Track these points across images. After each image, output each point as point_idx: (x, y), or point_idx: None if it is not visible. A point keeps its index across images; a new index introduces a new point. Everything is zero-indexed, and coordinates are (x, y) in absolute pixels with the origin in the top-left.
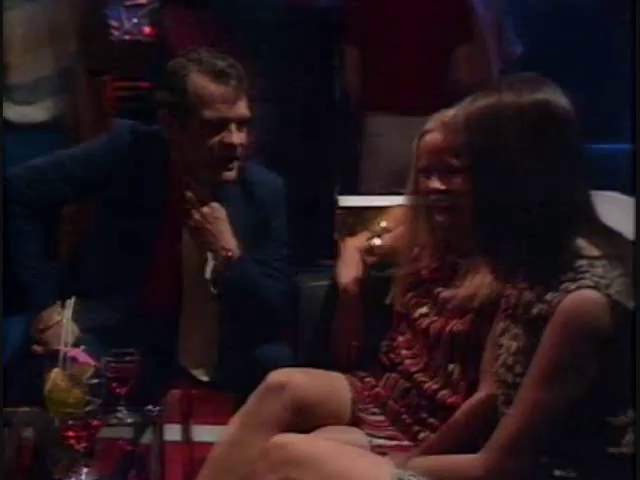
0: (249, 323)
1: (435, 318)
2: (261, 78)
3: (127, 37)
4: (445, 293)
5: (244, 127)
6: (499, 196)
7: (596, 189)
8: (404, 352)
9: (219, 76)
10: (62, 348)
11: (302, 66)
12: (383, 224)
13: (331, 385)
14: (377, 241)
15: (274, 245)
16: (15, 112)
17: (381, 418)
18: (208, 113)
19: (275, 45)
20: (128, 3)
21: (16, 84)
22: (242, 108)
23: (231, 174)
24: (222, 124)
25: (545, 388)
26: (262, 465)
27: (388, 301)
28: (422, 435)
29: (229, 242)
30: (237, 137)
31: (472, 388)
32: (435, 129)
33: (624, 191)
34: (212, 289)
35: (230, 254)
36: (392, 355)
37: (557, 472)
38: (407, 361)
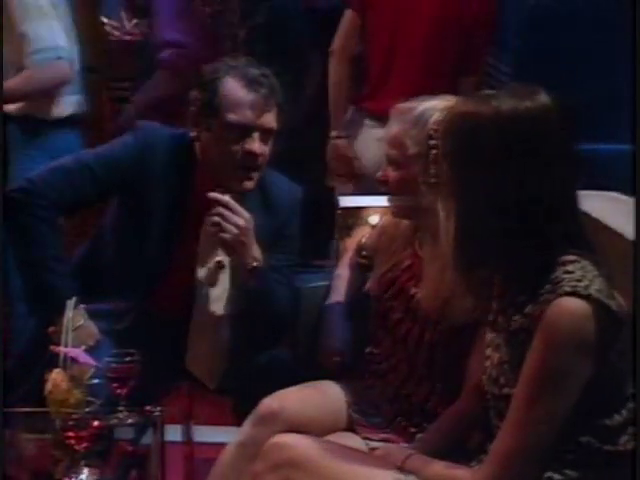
0: (256, 330)
1: (411, 324)
2: None
3: (127, 37)
4: (418, 295)
5: (269, 138)
6: (478, 210)
7: (597, 189)
8: (384, 365)
9: (251, 83)
10: (62, 349)
11: (301, 65)
12: (373, 220)
13: (324, 398)
14: (364, 239)
15: (284, 251)
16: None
17: (377, 420)
18: (233, 117)
19: (273, 46)
20: (128, 3)
21: None
22: (269, 119)
23: (250, 184)
24: (246, 131)
25: (534, 404)
26: (262, 466)
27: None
28: (419, 437)
29: (257, 252)
30: (259, 146)
31: (458, 392)
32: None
33: (625, 191)
34: (219, 309)
35: (257, 264)
36: (375, 366)
37: (556, 476)
38: (390, 375)
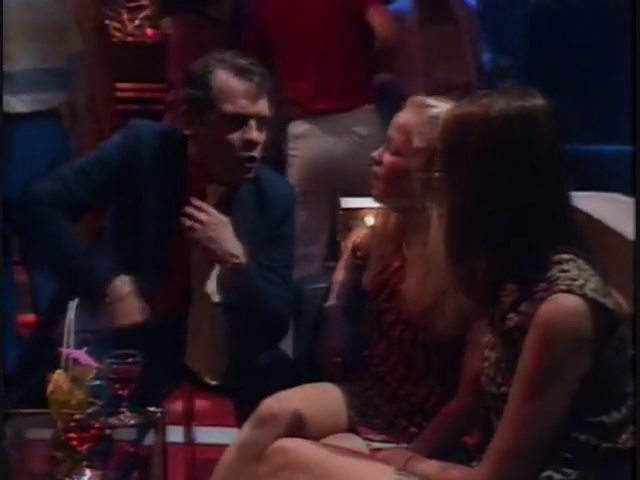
0: (253, 329)
1: (404, 326)
2: None
3: (129, 39)
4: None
5: (263, 126)
6: (471, 207)
7: (598, 190)
8: (381, 368)
9: (242, 72)
10: (64, 349)
11: None
12: (369, 221)
13: (325, 399)
14: (358, 240)
15: (280, 251)
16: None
17: (378, 421)
18: (229, 107)
19: None
20: (130, 5)
21: (14, 72)
22: (263, 106)
23: (251, 174)
24: (242, 120)
25: (530, 401)
26: (264, 470)
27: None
28: (418, 438)
29: (235, 248)
30: (257, 134)
31: (457, 392)
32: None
33: (625, 192)
34: (215, 298)
35: (237, 261)
36: (372, 368)
37: (555, 475)
38: (388, 377)
